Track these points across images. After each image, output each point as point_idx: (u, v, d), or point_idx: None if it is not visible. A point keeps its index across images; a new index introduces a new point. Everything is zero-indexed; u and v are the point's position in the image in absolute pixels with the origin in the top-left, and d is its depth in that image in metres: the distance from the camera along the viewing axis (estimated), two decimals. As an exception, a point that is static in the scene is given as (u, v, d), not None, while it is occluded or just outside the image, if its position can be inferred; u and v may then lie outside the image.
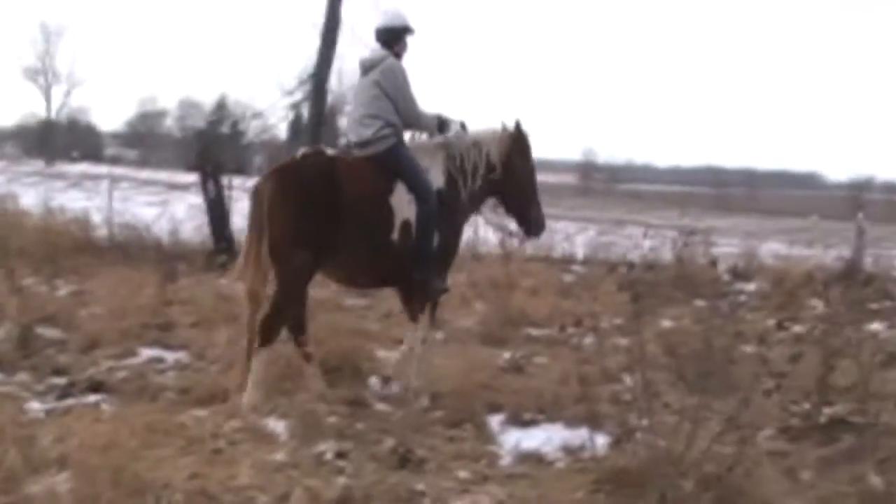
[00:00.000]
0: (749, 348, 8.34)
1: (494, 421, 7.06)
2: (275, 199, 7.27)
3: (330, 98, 19.36)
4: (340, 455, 6.11)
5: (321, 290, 11.88)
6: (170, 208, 16.30)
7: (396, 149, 7.74)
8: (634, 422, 5.92)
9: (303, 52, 17.05)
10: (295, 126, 19.59)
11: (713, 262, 10.72)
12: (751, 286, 15.14)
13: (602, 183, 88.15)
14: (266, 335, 7.21)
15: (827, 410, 7.22)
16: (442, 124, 8.00)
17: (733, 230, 27.92)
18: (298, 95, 17.35)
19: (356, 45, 17.38)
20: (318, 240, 7.25)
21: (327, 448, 6.19)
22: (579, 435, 6.51)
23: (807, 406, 7.21)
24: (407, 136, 8.00)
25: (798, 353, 6.82)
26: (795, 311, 12.44)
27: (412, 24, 8.02)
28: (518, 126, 8.23)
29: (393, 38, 7.94)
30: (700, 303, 10.10)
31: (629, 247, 15.76)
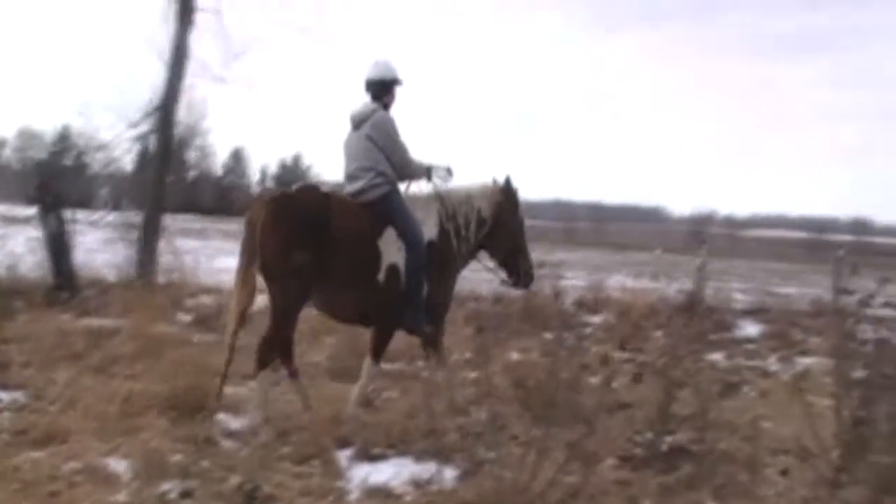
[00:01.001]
0: (594, 379, 8.54)
1: (343, 456, 6.99)
2: (266, 227, 7.51)
3: (178, 130, 19.03)
4: (185, 494, 5.97)
5: (169, 326, 11.69)
6: (8, 242, 15.75)
7: (389, 196, 8.02)
8: (482, 454, 5.97)
9: (148, 83, 16.62)
10: (142, 158, 19.22)
11: (557, 295, 10.91)
12: (597, 318, 15.48)
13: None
14: (262, 358, 7.52)
15: (668, 439, 7.40)
16: (430, 170, 8.31)
17: (581, 263, 28.53)
18: (144, 127, 17.02)
19: (205, 77, 17.24)
20: (307, 270, 7.46)
21: (171, 487, 6.04)
22: (428, 468, 6.52)
23: (649, 435, 7.38)
24: (402, 186, 8.24)
25: (639, 374, 7.02)
26: (640, 342, 12.79)
27: (401, 75, 8.28)
28: (508, 181, 8.59)
29: (383, 90, 8.20)
30: (548, 335, 10.27)
31: (479, 280, 15.91)
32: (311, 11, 21.67)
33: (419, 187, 8.37)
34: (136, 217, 17.02)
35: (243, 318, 7.70)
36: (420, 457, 6.87)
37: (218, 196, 74.39)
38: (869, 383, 6.22)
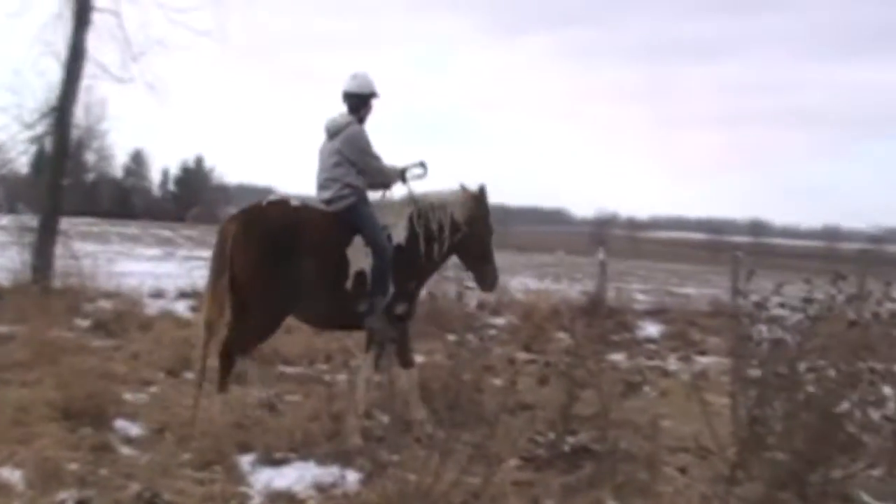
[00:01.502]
0: (498, 381, 8.60)
1: (245, 461, 6.92)
2: (238, 240, 7.74)
3: (76, 132, 18.62)
4: (82, 503, 5.85)
5: (66, 331, 11.43)
6: None
7: (356, 206, 8.25)
8: (385, 457, 5.96)
9: (44, 84, 16.16)
10: (38, 160, 18.77)
11: (460, 297, 10.99)
12: (501, 320, 15.58)
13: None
14: (224, 358, 7.68)
15: (570, 439, 7.49)
16: (403, 172, 8.56)
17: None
18: (40, 129, 16.60)
19: (103, 78, 16.88)
20: (277, 282, 7.71)
21: (68, 496, 5.90)
22: (331, 472, 6.49)
23: (551, 436, 7.45)
24: (378, 194, 8.57)
25: (545, 376, 7.09)
26: (543, 343, 12.90)
27: (378, 89, 8.49)
28: (482, 189, 8.85)
29: (360, 102, 8.42)
30: (451, 337, 10.29)
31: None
32: (212, 14, 21.40)
33: (396, 192, 8.61)
34: (31, 220, 16.60)
35: (212, 330, 7.79)
36: (323, 460, 6.84)
37: (118, 199, 73.11)
38: (764, 382, 6.36)
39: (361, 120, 8.43)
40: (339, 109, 8.48)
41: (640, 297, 20.27)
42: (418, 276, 8.53)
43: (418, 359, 10.15)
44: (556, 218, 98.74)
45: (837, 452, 6.50)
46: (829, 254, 63.54)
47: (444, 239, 8.59)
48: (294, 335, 11.65)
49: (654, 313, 17.63)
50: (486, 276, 8.93)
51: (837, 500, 6.42)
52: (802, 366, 6.38)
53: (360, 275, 8.08)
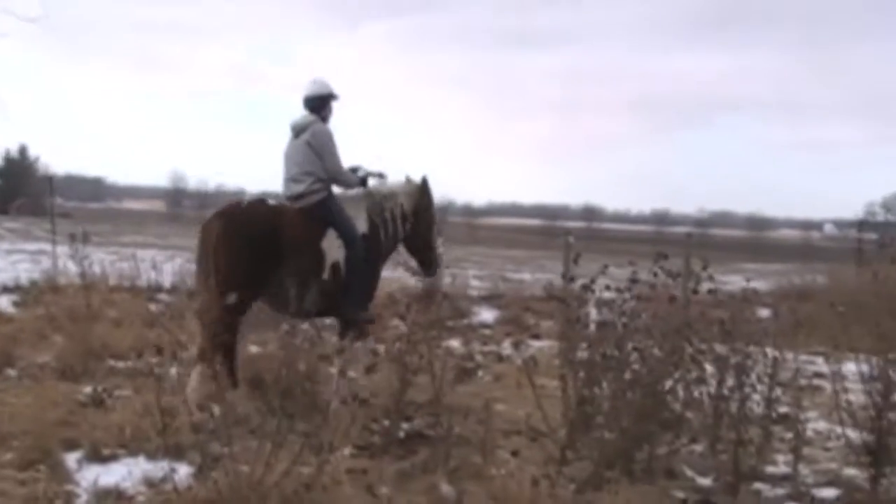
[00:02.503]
0: (332, 370, 8.57)
1: (72, 458, 6.71)
2: (220, 238, 8.19)
3: None
4: None
5: None
6: None
7: (326, 200, 8.74)
8: (217, 450, 5.86)
9: None
10: None
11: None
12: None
13: (192, 210, 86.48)
14: (202, 355, 8.01)
15: (405, 426, 7.53)
16: (364, 179, 9.12)
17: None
18: None
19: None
20: (257, 277, 8.19)
21: None
22: (161, 467, 6.33)
23: (386, 423, 7.47)
24: (337, 190, 8.97)
25: (373, 364, 7.11)
26: (379, 331, 12.89)
27: (336, 90, 8.99)
28: (424, 181, 9.40)
29: (320, 104, 8.88)
30: (286, 327, 10.20)
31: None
32: (39, 2, 20.67)
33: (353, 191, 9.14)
34: None
35: (204, 317, 8.25)
36: (153, 455, 6.68)
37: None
38: (592, 364, 6.53)
39: (324, 120, 8.88)
40: (301, 113, 8.89)
41: (476, 283, 20.46)
42: (376, 264, 8.99)
43: (252, 349, 10.05)
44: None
45: (662, 430, 6.73)
46: (658, 237, 65.48)
47: (397, 228, 9.13)
48: (124, 329, 11.36)
49: (490, 299, 17.83)
50: (430, 262, 9.54)
51: (662, 475, 6.65)
52: (628, 346, 6.57)
53: (336, 266, 8.57)
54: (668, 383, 6.76)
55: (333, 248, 8.59)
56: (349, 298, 8.58)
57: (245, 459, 5.50)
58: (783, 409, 7.38)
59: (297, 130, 8.83)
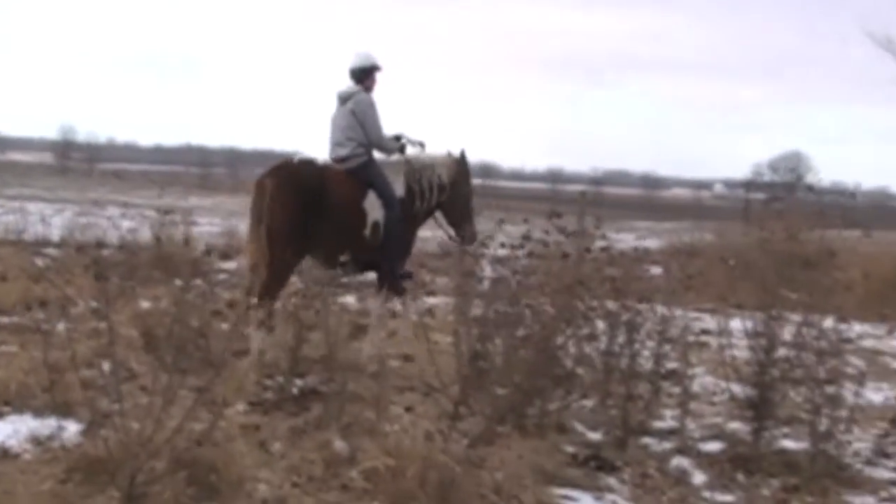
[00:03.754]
0: (226, 326, 8.48)
1: (-46, 418, 6.55)
2: (275, 193, 8.72)
3: None
4: None
5: None
6: None
7: (368, 164, 9.40)
8: (107, 406, 5.76)
9: None
10: None
11: (187, 241, 10.80)
12: (232, 265, 15.32)
13: (81, 162, 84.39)
14: (262, 299, 8.45)
15: (299, 382, 7.51)
16: (403, 147, 9.72)
17: (216, 209, 28.16)
18: None
19: None
20: (307, 231, 8.69)
21: None
22: (48, 424, 6.22)
23: (280, 379, 7.44)
24: (378, 155, 9.59)
25: (267, 320, 7.07)
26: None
27: (379, 62, 9.62)
28: (463, 154, 10.06)
29: (364, 75, 9.53)
30: (179, 282, 10.07)
31: (108, 228, 15.35)
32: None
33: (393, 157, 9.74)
34: None
35: (258, 271, 8.67)
36: (40, 412, 6.55)
37: None
38: (485, 320, 6.58)
39: (368, 90, 9.54)
40: (347, 83, 9.53)
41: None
42: (411, 228, 9.65)
43: (144, 304, 9.91)
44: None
45: (553, 385, 6.83)
46: (553, 196, 66.08)
47: (433, 195, 9.72)
48: (9, 283, 11.08)
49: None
50: (466, 231, 9.90)
51: (553, 430, 6.76)
52: (521, 303, 6.64)
53: (376, 225, 9.20)
54: (560, 339, 6.85)
55: (374, 207, 9.22)
56: (386, 255, 9.22)
57: (136, 416, 5.42)
58: (671, 365, 7.55)
59: (343, 99, 9.49)
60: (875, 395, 9.05)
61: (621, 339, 7.13)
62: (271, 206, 8.69)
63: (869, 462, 6.77)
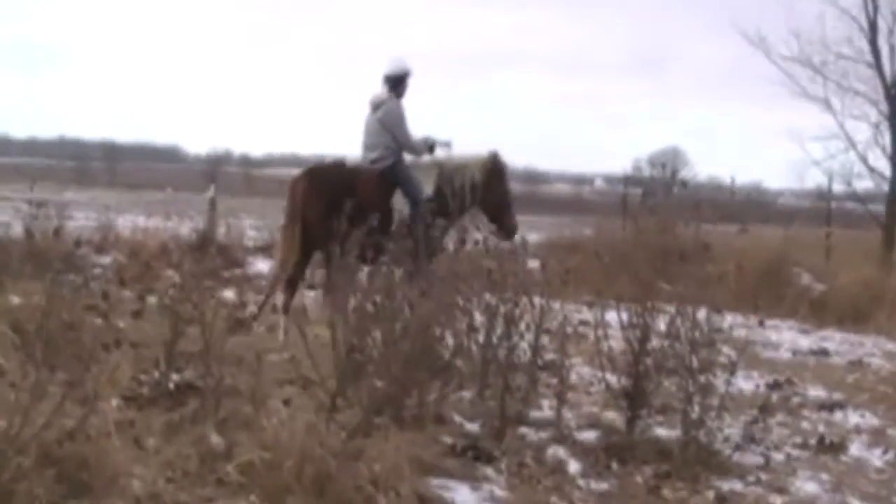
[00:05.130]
0: (100, 320, 8.31)
1: None
2: (308, 194, 9.82)
3: None
4: None
5: None
6: None
7: (395, 166, 10.29)
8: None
9: None
10: None
11: (57, 233, 10.60)
12: (106, 259, 15.04)
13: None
14: (289, 293, 10.03)
15: (175, 377, 7.39)
16: (432, 147, 10.56)
17: (92, 203, 27.55)
18: None
19: None
20: (337, 229, 8.62)
21: None
22: None
23: (155, 373, 7.31)
24: (409, 157, 10.50)
25: (138, 310, 6.90)
26: (151, 281, 12.60)
27: (412, 69, 10.48)
28: (496, 155, 10.87)
29: (398, 81, 10.38)
30: (51, 276, 9.82)
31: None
32: None
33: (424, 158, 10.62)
34: None
35: (286, 267, 9.77)
36: None
37: None
38: (362, 312, 6.58)
39: (399, 95, 10.37)
40: (380, 88, 10.40)
41: (253, 233, 20.22)
42: (445, 224, 10.15)
43: (15, 300, 9.64)
44: (169, 155, 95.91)
45: (432, 377, 6.86)
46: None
47: (467, 195, 10.50)
48: None
49: (266, 249, 17.68)
50: (505, 227, 10.58)
51: (431, 421, 6.79)
52: (398, 295, 6.65)
53: (402, 222, 9.97)
54: (438, 331, 6.89)
55: (401, 206, 10.11)
56: (413, 250, 9.45)
57: (2, 413, 5.28)
58: (549, 357, 7.65)
59: (374, 106, 10.35)
60: (746, 383, 9.35)
61: (499, 331, 7.20)
62: (303, 206, 9.72)
63: (738, 448, 6.96)
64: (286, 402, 7.00)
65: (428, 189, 10.32)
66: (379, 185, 10.08)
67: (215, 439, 5.94)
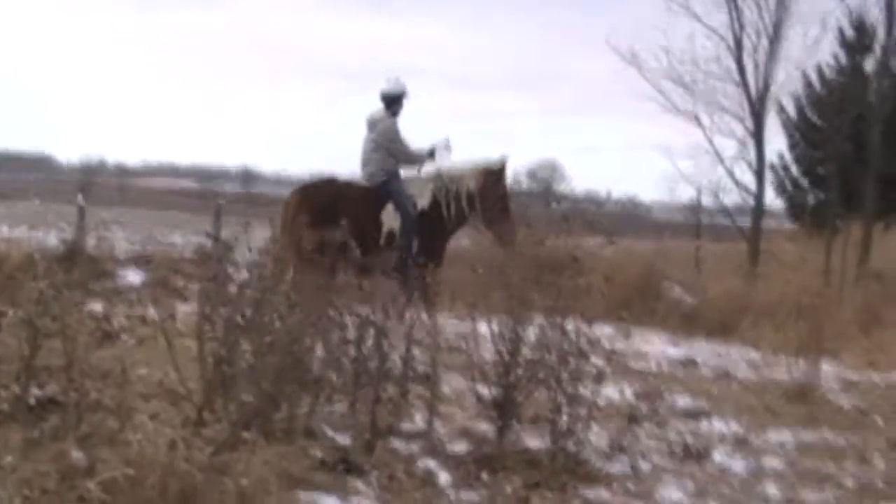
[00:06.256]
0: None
1: None
2: (297, 209, 10.40)
3: None
4: None
5: None
6: None
7: (388, 182, 10.86)
8: None
9: None
10: None
11: None
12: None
13: None
14: None
15: (37, 392, 7.16)
16: (432, 152, 10.97)
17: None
18: None
19: None
20: (328, 240, 9.35)
21: None
22: None
23: (15, 389, 7.07)
24: (412, 171, 11.12)
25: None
26: (14, 294, 12.19)
27: (408, 89, 11.06)
28: (501, 162, 11.12)
29: (394, 101, 10.96)
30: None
31: None
32: None
33: (427, 168, 11.08)
34: None
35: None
36: None
37: None
38: (230, 324, 6.48)
39: (395, 114, 10.95)
40: (377, 106, 11.00)
41: (125, 245, 19.80)
42: (441, 235, 10.91)
43: None
44: (41, 164, 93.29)
45: (302, 390, 6.79)
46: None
47: (462, 206, 10.83)
48: None
49: (138, 261, 17.34)
50: (502, 235, 10.91)
51: (301, 435, 6.72)
52: (268, 307, 6.57)
53: (391, 234, 10.60)
54: (308, 344, 6.82)
55: (390, 219, 10.61)
56: (400, 260, 10.33)
57: None
58: (422, 369, 7.64)
59: (370, 126, 10.97)
60: (616, 393, 9.49)
61: (371, 343, 7.16)
62: (293, 219, 10.20)
63: (606, 457, 7.07)
64: (153, 417, 6.85)
65: (423, 202, 10.83)
66: (368, 201, 10.68)
67: (76, 455, 5.77)
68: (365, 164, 10.99)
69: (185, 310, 12.11)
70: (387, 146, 10.83)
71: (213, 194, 36.75)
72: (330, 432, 7.00)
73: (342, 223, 9.68)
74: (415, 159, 11.04)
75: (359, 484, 6.23)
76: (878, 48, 21.83)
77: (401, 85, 11.04)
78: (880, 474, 7.63)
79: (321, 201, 10.55)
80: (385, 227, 10.64)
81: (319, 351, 6.99)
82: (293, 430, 6.64)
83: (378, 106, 11.01)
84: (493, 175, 11.06)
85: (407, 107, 11.13)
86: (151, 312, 10.53)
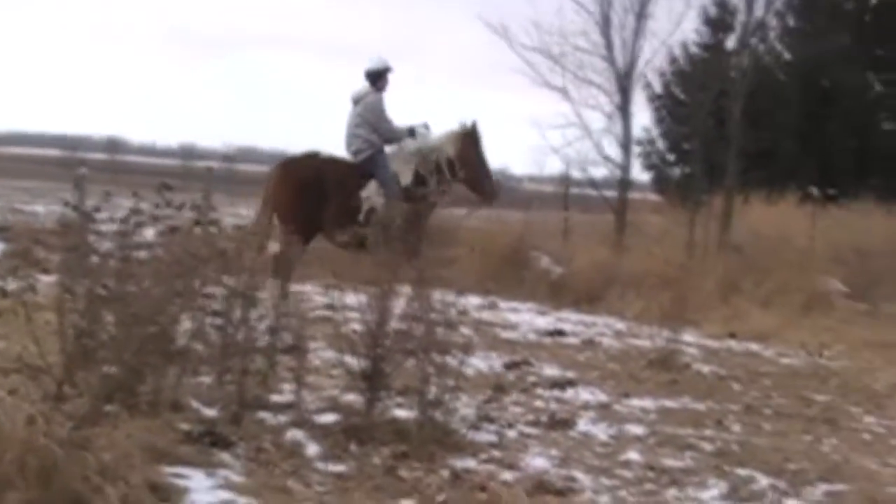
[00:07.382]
0: None
1: None
2: (278, 183, 10.89)
3: None
4: None
5: None
6: None
7: (373, 157, 11.21)
8: None
9: None
10: None
11: None
12: None
13: None
14: (274, 270, 9.96)
15: None
16: (412, 131, 11.40)
17: None
18: None
19: None
20: (308, 214, 10.53)
21: None
22: None
23: None
24: (392, 148, 11.49)
25: None
26: None
27: (392, 65, 11.44)
28: (473, 125, 11.71)
29: (378, 77, 11.39)
30: None
31: None
32: None
33: (407, 145, 11.46)
34: None
35: (262, 249, 9.61)
36: None
37: None
38: (92, 296, 6.33)
39: (380, 90, 11.38)
40: (362, 83, 11.42)
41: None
42: (424, 212, 11.16)
43: None
44: None
45: (167, 362, 6.68)
46: (185, 172, 64.59)
47: (444, 173, 11.35)
48: None
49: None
50: (483, 192, 11.77)
51: (168, 408, 6.61)
52: (131, 278, 6.44)
53: (371, 210, 10.87)
54: (174, 315, 6.71)
55: (372, 196, 10.96)
56: (385, 237, 10.11)
57: None
58: (290, 340, 7.59)
59: (355, 101, 11.36)
60: (484, 363, 9.60)
61: (238, 313, 7.08)
62: (275, 193, 10.70)
63: (473, 427, 7.15)
64: (11, 392, 6.66)
65: (406, 178, 11.22)
66: (350, 175, 11.04)
67: None
68: (349, 139, 11.32)
69: (47, 281, 11.84)
70: (372, 121, 11.17)
71: (78, 162, 35.65)
72: (196, 404, 6.90)
73: (325, 196, 10.41)
74: (397, 135, 11.38)
75: (226, 456, 6.16)
76: (738, 26, 22.36)
77: (383, 61, 11.43)
78: (736, 439, 7.88)
79: (304, 175, 10.93)
80: (366, 205, 10.97)
81: (186, 322, 6.86)
82: (158, 403, 6.53)
83: (363, 83, 11.39)
84: (469, 137, 11.64)
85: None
86: (11, 284, 10.21)
